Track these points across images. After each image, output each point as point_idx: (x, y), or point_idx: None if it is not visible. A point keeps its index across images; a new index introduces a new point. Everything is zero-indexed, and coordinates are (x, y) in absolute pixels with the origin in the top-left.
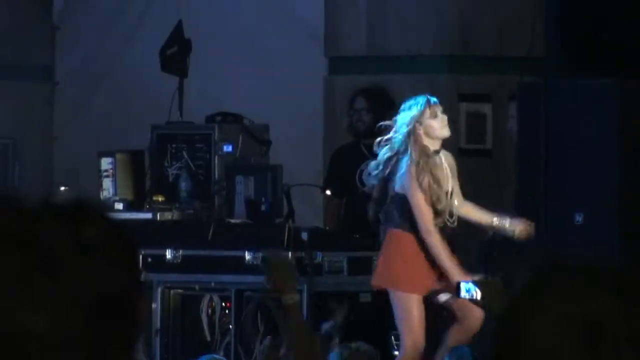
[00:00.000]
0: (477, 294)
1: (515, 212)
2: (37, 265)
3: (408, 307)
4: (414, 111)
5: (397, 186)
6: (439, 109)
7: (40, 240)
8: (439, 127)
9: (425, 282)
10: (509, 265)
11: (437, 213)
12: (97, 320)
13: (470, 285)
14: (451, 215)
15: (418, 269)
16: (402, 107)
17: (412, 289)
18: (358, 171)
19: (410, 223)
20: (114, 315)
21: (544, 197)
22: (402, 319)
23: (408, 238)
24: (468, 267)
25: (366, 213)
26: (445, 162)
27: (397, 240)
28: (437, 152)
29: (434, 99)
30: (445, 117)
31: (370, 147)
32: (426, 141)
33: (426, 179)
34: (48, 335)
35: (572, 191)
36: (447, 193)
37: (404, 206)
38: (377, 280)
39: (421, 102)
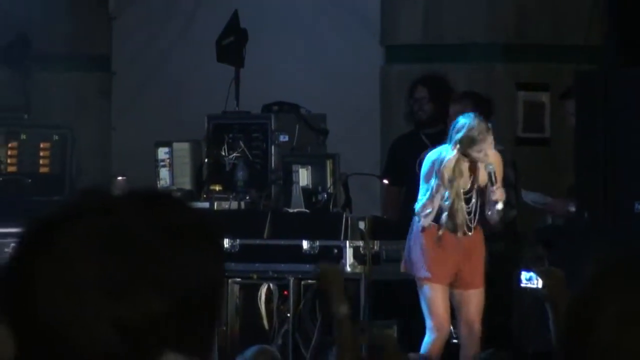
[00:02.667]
0: (538, 283)
1: (574, 200)
2: (130, 259)
3: (428, 293)
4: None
5: None
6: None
7: (131, 231)
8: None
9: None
10: (569, 254)
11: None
12: (185, 311)
13: (532, 274)
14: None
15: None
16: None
17: (432, 279)
18: (418, 160)
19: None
20: (201, 306)
21: (603, 185)
22: (424, 303)
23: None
24: (528, 254)
25: None
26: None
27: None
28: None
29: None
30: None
31: (430, 136)
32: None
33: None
34: (140, 327)
35: (631, 180)
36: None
37: None
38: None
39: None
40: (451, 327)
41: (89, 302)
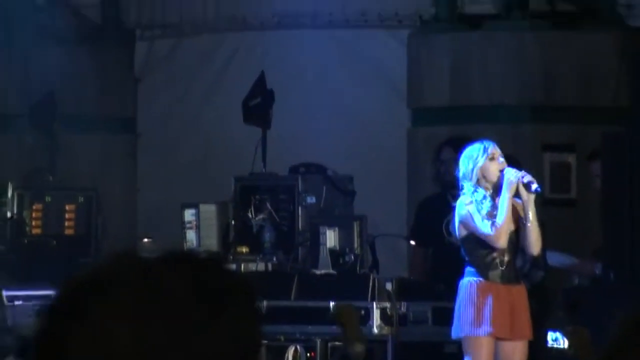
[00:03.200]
0: (565, 343)
1: (600, 261)
2: (166, 325)
3: (472, 349)
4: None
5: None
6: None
7: (168, 295)
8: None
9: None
10: (596, 315)
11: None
12: None
13: (558, 335)
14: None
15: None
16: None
17: (477, 331)
18: (445, 221)
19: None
20: None
21: (630, 246)
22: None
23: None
24: (554, 315)
25: (452, 263)
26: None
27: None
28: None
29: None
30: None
31: (457, 198)
32: (482, 183)
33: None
34: None
35: None
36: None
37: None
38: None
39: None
40: None
41: None
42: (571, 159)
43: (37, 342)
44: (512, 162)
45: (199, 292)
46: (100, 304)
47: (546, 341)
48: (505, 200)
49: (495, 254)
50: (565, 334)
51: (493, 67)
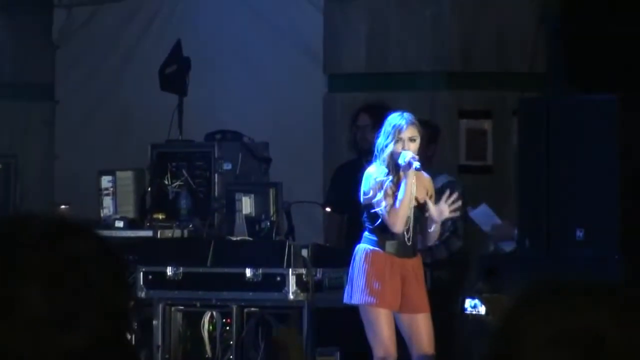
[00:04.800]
0: (483, 310)
1: (517, 227)
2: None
3: (373, 319)
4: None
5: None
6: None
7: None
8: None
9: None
10: (512, 281)
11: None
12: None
13: (477, 302)
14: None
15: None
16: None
17: (377, 304)
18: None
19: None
20: (113, 338)
21: (545, 213)
22: (369, 331)
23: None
24: (471, 282)
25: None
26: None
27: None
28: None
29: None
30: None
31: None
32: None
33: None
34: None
35: (573, 207)
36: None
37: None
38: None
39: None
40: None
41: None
42: (487, 125)
43: None
44: (431, 127)
45: (100, 257)
46: (10, 268)
47: (464, 308)
48: (404, 186)
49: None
50: (483, 301)
51: (410, 34)
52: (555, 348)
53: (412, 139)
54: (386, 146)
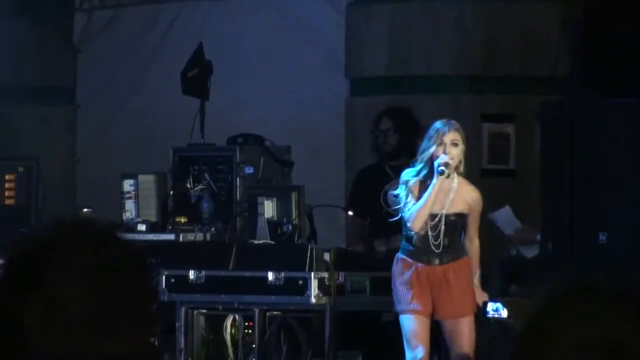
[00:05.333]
0: (504, 313)
1: (539, 231)
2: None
3: (405, 325)
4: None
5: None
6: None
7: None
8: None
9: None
10: (534, 285)
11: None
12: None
13: (499, 305)
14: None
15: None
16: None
17: (409, 310)
18: (382, 191)
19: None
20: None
21: (568, 217)
22: (404, 337)
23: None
24: (492, 285)
25: (389, 233)
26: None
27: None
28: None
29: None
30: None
31: (394, 168)
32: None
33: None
34: None
35: (596, 211)
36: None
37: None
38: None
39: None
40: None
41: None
42: (510, 129)
43: None
44: None
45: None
46: (51, 273)
47: (486, 311)
48: (430, 187)
49: (423, 233)
50: (505, 305)
51: (432, 37)
52: (578, 353)
53: (454, 143)
54: (427, 149)
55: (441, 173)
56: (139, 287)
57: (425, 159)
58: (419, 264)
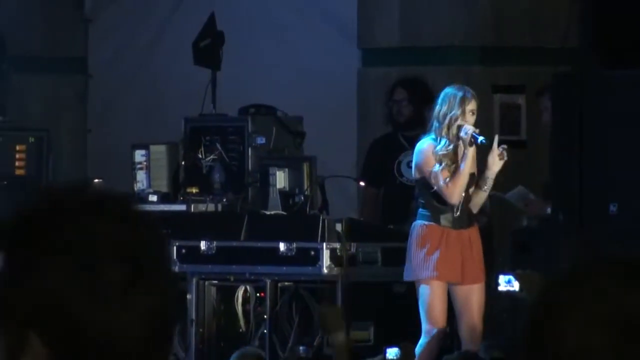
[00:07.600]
0: (516, 286)
1: (550, 204)
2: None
3: (428, 292)
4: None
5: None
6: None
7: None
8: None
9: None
10: (545, 255)
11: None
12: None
13: (511, 277)
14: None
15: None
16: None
17: (436, 277)
18: (396, 162)
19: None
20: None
21: (578, 187)
22: (423, 304)
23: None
24: (505, 257)
25: (403, 203)
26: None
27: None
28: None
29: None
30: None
31: (408, 138)
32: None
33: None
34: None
35: (606, 182)
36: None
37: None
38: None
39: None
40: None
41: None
42: (521, 100)
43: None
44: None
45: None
46: (95, 239)
47: (497, 284)
48: (466, 159)
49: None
50: (517, 277)
51: (443, 8)
52: (592, 330)
53: (473, 112)
54: (452, 116)
55: (484, 143)
56: (166, 259)
57: (447, 123)
58: (448, 229)
